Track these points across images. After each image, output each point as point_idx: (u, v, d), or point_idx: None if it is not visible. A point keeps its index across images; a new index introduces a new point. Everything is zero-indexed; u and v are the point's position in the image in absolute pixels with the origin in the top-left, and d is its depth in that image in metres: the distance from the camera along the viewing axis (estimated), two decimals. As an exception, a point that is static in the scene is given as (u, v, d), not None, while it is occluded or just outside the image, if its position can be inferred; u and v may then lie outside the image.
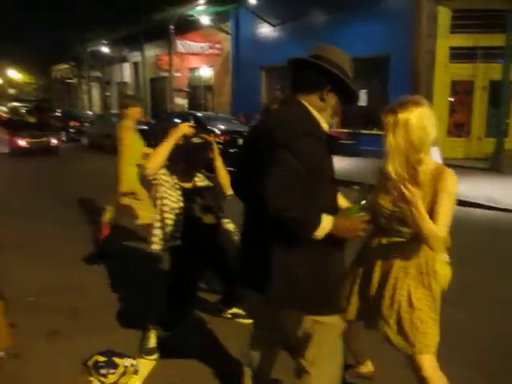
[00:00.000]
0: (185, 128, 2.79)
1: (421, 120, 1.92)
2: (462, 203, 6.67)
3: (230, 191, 2.77)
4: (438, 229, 1.86)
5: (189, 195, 2.84)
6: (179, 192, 2.81)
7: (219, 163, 2.89)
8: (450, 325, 2.58)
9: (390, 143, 1.96)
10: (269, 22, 14.70)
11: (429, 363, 2.03)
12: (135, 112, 4.52)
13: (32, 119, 17.34)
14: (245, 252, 1.96)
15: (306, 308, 1.79)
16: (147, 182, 2.91)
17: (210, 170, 2.97)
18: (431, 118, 1.96)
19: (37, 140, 13.71)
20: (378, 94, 12.21)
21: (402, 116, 1.93)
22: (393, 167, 1.98)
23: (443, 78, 11.28)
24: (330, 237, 1.65)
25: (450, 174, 1.97)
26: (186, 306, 2.88)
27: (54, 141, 14.20)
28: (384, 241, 2.11)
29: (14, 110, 28.50)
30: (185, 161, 2.87)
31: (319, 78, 1.77)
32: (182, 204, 2.79)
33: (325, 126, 1.81)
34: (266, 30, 15.20)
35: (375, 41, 11.43)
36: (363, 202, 1.74)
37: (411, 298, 2.02)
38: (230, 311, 3.42)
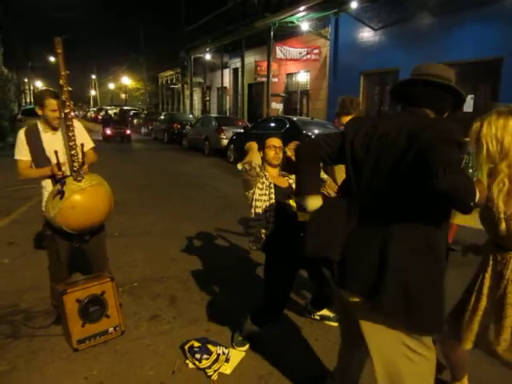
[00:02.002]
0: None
1: (495, 131, 1.88)
2: None
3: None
4: None
5: (284, 194, 2.93)
6: (272, 190, 2.92)
7: None
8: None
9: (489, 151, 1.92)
10: (370, 26, 14.41)
11: None
12: None
13: (116, 117, 23.16)
14: (347, 251, 1.84)
15: (419, 327, 1.69)
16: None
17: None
18: None
19: (116, 130, 20.35)
20: (487, 99, 11.37)
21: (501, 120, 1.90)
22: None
23: None
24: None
25: None
26: (282, 304, 2.95)
27: (127, 131, 20.84)
28: (500, 253, 2.01)
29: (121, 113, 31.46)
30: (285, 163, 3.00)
31: (450, 101, 1.81)
32: (273, 201, 2.90)
33: None
34: (366, 35, 14.92)
35: (486, 43, 10.67)
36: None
37: None
38: (319, 313, 3.45)
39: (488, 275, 2.07)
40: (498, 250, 2.02)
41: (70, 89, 2.90)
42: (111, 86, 54.06)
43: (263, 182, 2.90)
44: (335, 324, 3.25)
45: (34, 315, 3.43)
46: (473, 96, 11.80)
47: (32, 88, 42.56)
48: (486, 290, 2.08)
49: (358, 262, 1.76)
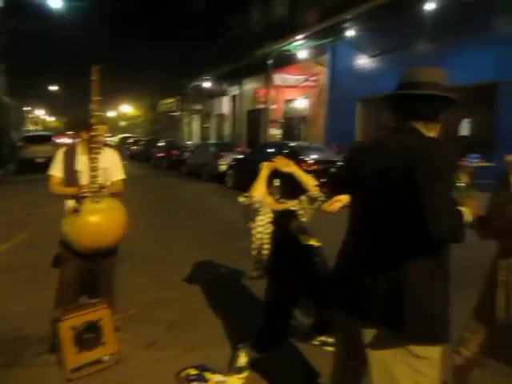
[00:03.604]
0: (279, 163, 2.95)
1: None
2: None
3: (320, 192, 2.92)
4: None
5: (284, 217, 2.91)
6: (271, 215, 2.91)
7: (299, 172, 2.99)
8: None
9: None
10: (366, 53, 14.67)
11: None
12: None
13: None
14: (351, 278, 1.85)
15: (436, 339, 1.73)
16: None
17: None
18: None
19: None
20: (483, 123, 11.49)
21: None
22: None
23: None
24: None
25: None
26: (284, 329, 2.89)
27: None
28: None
29: (123, 141, 31.83)
30: (284, 186, 3.00)
31: (440, 106, 1.83)
32: (272, 228, 2.88)
33: None
34: (363, 62, 15.18)
35: (482, 68, 10.84)
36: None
37: None
38: (320, 338, 3.36)
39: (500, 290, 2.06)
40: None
41: (100, 113, 3.18)
42: (112, 113, 54.65)
43: (264, 214, 2.89)
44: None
45: (31, 342, 3.35)
46: (470, 120, 11.92)
47: (32, 116, 43.15)
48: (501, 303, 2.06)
49: (371, 292, 1.75)
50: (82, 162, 3.23)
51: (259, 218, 2.89)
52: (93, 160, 3.09)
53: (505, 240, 2.09)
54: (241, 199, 2.87)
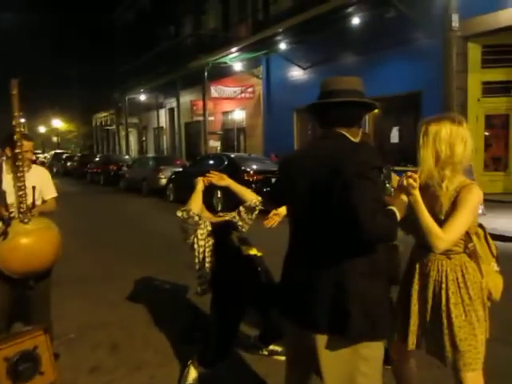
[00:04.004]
0: (213, 177, 2.98)
1: (449, 136, 2.00)
2: (501, 238, 6.48)
3: (258, 199, 2.99)
4: (445, 232, 1.92)
5: (223, 229, 2.93)
6: (209, 229, 2.91)
7: (234, 184, 3.03)
8: (495, 364, 2.48)
9: (420, 154, 2.06)
10: (299, 66, 15.12)
11: (473, 381, 2.00)
12: None
13: None
14: (296, 287, 1.89)
15: (375, 336, 1.79)
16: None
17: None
18: (463, 137, 2.02)
19: None
20: (411, 130, 12.19)
21: (432, 128, 2.03)
22: (422, 176, 2.04)
23: (477, 113, 11.19)
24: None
25: (474, 187, 2.01)
26: (230, 341, 2.89)
27: None
28: (424, 257, 2.13)
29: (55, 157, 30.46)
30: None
31: (360, 112, 1.94)
32: (212, 241, 2.89)
33: None
34: (296, 73, 15.62)
35: (406, 79, 11.54)
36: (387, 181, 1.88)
37: (450, 314, 2.02)
38: (268, 348, 3.39)
39: (415, 279, 2.17)
40: (425, 253, 2.13)
41: (22, 130, 3.00)
42: (42, 129, 52.07)
43: (203, 228, 2.89)
44: (284, 358, 3.20)
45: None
46: (398, 128, 12.62)
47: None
48: (415, 294, 2.17)
49: (315, 300, 1.79)
50: (7, 181, 3.04)
51: (199, 231, 2.88)
52: (19, 179, 2.90)
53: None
54: (178, 213, 2.84)
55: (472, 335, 2.01)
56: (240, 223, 3.10)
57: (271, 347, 3.38)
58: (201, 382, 2.93)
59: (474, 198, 1.98)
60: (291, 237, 1.99)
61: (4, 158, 3.14)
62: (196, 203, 2.88)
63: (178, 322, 4.09)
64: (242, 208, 3.10)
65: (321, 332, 1.79)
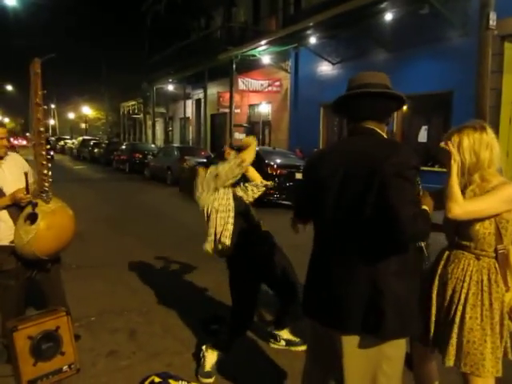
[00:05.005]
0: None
1: (472, 144, 2.00)
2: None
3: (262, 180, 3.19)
4: (464, 202, 1.95)
5: (244, 204, 3.02)
6: (232, 200, 2.93)
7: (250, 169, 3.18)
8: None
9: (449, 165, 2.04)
10: (328, 60, 14.95)
11: None
12: None
13: None
14: (322, 284, 1.86)
15: (405, 335, 1.80)
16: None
17: None
18: (488, 143, 2.01)
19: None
20: (439, 130, 11.93)
21: (454, 139, 2.04)
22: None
23: (510, 115, 10.84)
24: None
25: (508, 183, 2.00)
26: (245, 320, 2.94)
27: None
28: (452, 255, 2.12)
29: (83, 143, 30.96)
30: None
31: (391, 106, 1.90)
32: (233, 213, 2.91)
33: None
34: (325, 68, 15.45)
35: (437, 78, 11.28)
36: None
37: (465, 315, 2.00)
38: (284, 337, 3.39)
39: (437, 274, 2.16)
40: (453, 251, 2.11)
41: (45, 107, 2.95)
42: (71, 115, 53.13)
43: (227, 193, 2.90)
44: (301, 348, 3.22)
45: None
46: (426, 127, 12.36)
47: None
48: (435, 290, 2.15)
49: (346, 300, 1.76)
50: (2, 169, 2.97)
51: (220, 201, 2.87)
52: (42, 155, 2.84)
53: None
54: (232, 155, 2.95)
55: (482, 340, 1.97)
56: (244, 197, 3.15)
57: (288, 337, 3.38)
58: (218, 371, 2.96)
59: (508, 188, 1.96)
60: (318, 236, 1.94)
61: None
62: (250, 157, 2.99)
63: (197, 311, 4.12)
64: (248, 185, 3.19)
65: (350, 331, 1.76)
